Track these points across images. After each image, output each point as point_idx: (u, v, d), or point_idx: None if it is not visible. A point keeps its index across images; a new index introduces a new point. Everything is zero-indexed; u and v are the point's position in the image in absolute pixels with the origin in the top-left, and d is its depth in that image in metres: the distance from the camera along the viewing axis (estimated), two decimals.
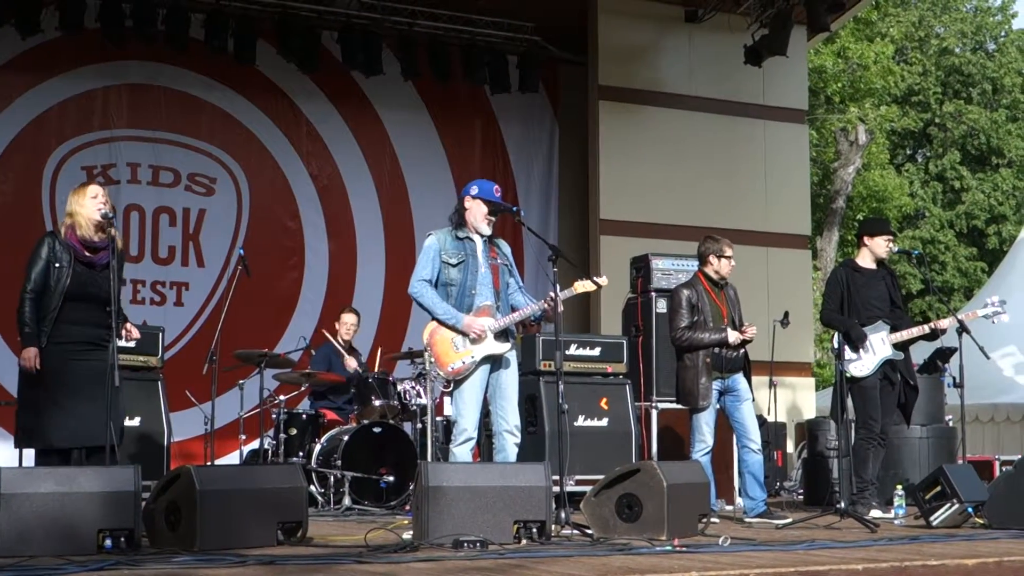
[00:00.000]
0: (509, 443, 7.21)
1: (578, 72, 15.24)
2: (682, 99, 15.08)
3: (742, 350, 8.67)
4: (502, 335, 7.28)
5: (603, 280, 7.42)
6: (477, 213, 7.32)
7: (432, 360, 7.28)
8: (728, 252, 8.75)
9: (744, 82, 15.05)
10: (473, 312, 7.21)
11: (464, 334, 7.17)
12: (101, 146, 13.42)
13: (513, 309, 7.39)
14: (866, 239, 9.08)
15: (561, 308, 7.24)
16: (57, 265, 6.90)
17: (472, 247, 7.32)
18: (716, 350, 8.54)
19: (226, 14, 13.33)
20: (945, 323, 8.87)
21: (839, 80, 27.24)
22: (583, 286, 7.39)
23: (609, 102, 14.73)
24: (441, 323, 7.23)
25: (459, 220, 7.38)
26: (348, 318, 11.44)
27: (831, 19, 14.80)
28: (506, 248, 7.53)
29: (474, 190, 7.38)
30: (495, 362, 7.28)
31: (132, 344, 7.40)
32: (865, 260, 9.04)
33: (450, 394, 7.41)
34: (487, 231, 7.34)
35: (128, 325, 7.07)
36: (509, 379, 7.34)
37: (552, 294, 7.16)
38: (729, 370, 8.59)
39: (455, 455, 7.13)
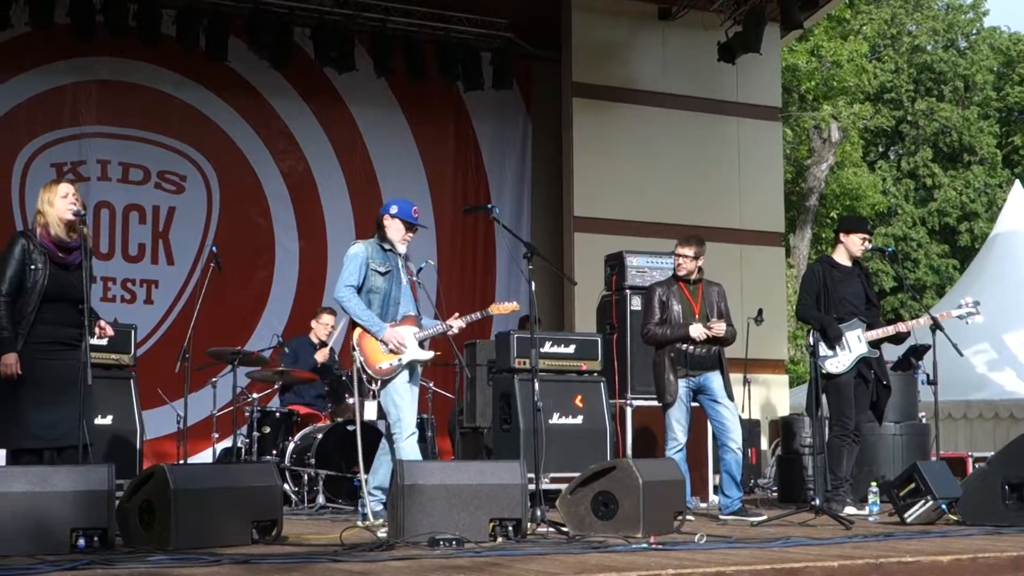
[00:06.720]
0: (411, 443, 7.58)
1: (552, 69, 15.24)
2: (656, 96, 15.09)
3: (714, 348, 8.62)
4: (422, 344, 7.76)
5: (514, 305, 8.20)
6: (395, 232, 7.72)
7: (362, 360, 7.59)
8: (680, 250, 8.75)
9: (718, 79, 15.07)
10: (398, 320, 7.65)
11: (384, 343, 7.55)
12: (71, 143, 13.32)
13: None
14: (842, 236, 9.07)
15: (459, 329, 7.77)
16: (33, 267, 6.70)
17: (395, 260, 7.73)
18: (683, 347, 8.53)
19: (198, 10, 13.22)
20: (906, 326, 8.87)
21: (812, 78, 27.35)
22: (497, 308, 8.07)
23: (583, 99, 14.74)
24: (364, 330, 7.58)
25: (382, 235, 7.75)
26: (326, 318, 11.37)
27: (805, 16, 14.84)
28: (414, 267, 7.94)
29: (393, 209, 7.78)
30: (411, 369, 7.69)
31: (104, 342, 7.31)
32: (841, 257, 9.03)
33: (376, 393, 7.66)
34: (402, 250, 7.77)
35: (101, 322, 6.96)
36: (415, 387, 7.76)
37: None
38: (698, 368, 8.55)
39: (404, 451, 7.41)
